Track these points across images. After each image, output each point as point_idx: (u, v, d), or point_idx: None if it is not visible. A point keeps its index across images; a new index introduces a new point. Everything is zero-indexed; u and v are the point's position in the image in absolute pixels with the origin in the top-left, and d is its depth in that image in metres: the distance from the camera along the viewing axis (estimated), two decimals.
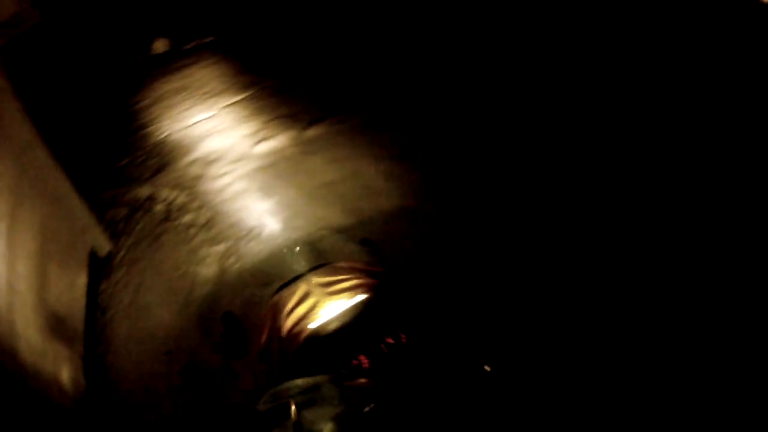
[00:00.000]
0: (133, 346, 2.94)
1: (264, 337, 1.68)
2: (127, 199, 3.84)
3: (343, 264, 1.86)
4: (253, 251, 3.34)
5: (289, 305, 1.51)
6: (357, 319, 1.39)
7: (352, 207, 3.45)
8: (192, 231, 3.55)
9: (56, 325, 2.46)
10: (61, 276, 2.73)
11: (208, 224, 3.58)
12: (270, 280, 3.04)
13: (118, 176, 4.06)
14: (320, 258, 2.94)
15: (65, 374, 2.40)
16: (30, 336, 2.13)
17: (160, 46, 5.39)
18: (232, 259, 3.33)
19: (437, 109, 4.13)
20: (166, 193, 3.84)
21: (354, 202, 3.49)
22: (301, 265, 2.77)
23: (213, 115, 4.53)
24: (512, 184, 3.44)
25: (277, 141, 4.09)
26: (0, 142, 2.38)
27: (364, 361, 1.26)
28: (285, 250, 3.23)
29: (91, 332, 2.92)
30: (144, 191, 3.88)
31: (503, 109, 3.97)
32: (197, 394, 2.67)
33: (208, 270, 3.29)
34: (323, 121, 4.15)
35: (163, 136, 4.41)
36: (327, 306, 1.44)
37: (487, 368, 1.33)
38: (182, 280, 3.25)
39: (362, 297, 1.47)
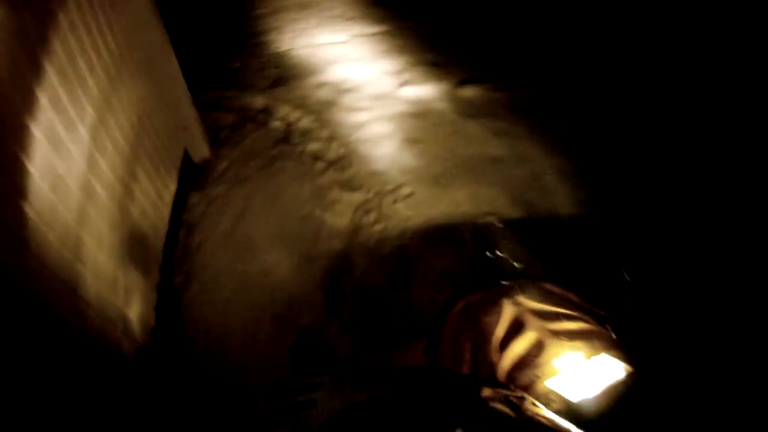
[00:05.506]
0: (225, 291, 2.29)
1: (467, 359, 1.19)
2: (236, 105, 3.35)
3: (551, 286, 1.26)
4: (401, 215, 2.59)
5: (499, 330, 1.08)
6: (619, 406, 0.89)
7: (520, 196, 2.65)
8: (319, 165, 2.90)
9: (133, 247, 1.97)
10: (149, 185, 2.24)
11: (341, 163, 2.91)
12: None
13: (228, 78, 3.61)
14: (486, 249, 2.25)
15: (134, 310, 1.92)
16: (99, 260, 1.66)
17: None
18: (371, 217, 2.60)
19: (621, 99, 3.14)
20: (286, 111, 3.31)
21: (522, 191, 2.68)
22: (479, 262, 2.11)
23: (344, 41, 4.00)
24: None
25: (426, 89, 3.43)
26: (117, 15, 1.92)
27: None
28: (454, 233, 2.46)
29: (170, 256, 2.33)
30: (258, 101, 3.41)
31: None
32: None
33: (338, 220, 2.59)
34: (478, 83, 3.41)
35: (284, 48, 3.98)
36: (562, 357, 0.98)
37: None
38: (304, 223, 2.56)
39: (613, 366, 0.95)
